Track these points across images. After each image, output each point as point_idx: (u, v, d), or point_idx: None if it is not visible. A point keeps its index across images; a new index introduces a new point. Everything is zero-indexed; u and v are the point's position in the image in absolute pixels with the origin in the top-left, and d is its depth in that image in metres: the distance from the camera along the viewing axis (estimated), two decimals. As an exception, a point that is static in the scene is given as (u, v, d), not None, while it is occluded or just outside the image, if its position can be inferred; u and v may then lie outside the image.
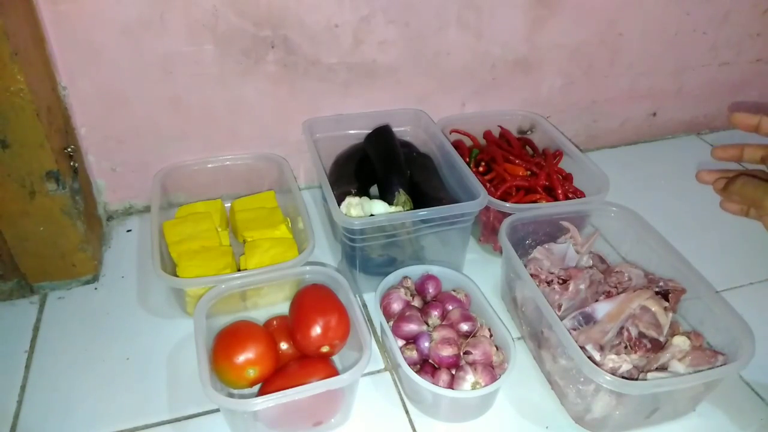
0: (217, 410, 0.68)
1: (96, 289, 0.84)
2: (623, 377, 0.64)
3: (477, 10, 0.94)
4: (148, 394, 0.70)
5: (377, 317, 0.75)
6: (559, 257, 0.80)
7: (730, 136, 1.27)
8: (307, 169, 1.03)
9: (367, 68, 0.95)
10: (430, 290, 0.77)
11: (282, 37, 0.87)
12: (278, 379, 0.65)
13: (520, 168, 0.93)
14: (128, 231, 0.94)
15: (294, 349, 0.70)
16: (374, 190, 0.92)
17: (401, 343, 0.71)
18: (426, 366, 0.69)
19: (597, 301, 0.72)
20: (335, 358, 0.72)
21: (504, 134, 1.04)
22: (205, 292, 0.71)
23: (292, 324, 0.70)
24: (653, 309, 0.70)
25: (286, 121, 0.95)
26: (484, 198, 0.79)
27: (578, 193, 0.91)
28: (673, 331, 0.71)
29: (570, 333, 0.66)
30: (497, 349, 0.69)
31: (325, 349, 0.68)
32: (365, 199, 0.81)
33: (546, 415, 0.70)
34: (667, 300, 0.72)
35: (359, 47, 0.92)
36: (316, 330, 0.67)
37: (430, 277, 0.78)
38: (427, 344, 0.69)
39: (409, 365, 0.66)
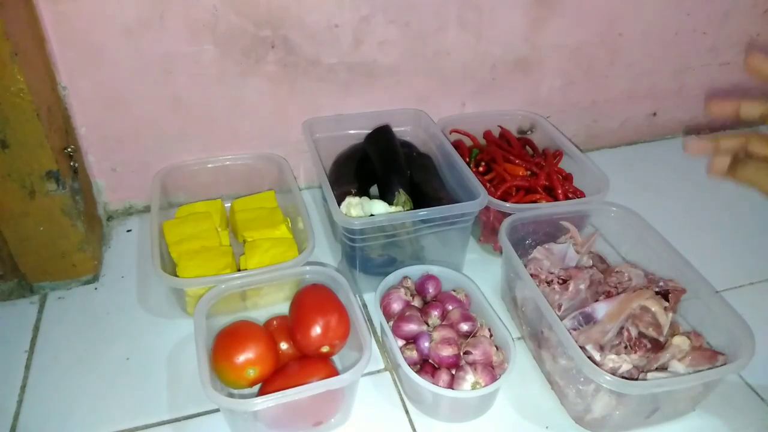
0: (217, 410, 0.68)
1: (96, 289, 0.84)
2: (623, 377, 0.64)
3: (477, 10, 0.94)
4: (148, 394, 0.70)
5: (377, 317, 0.75)
6: (559, 257, 0.80)
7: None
8: (307, 169, 1.03)
9: (367, 68, 0.95)
10: (430, 290, 0.77)
11: (282, 37, 0.87)
12: (278, 379, 0.65)
13: (520, 168, 0.93)
14: (128, 231, 0.94)
15: (294, 349, 0.70)
16: (374, 190, 0.92)
17: (401, 343, 0.71)
18: (426, 366, 0.69)
19: (597, 301, 0.72)
20: (335, 358, 0.72)
21: (504, 134, 1.04)
22: (205, 292, 0.71)
23: (292, 324, 0.70)
24: (653, 309, 0.70)
25: (286, 121, 0.95)
26: (484, 198, 0.79)
27: (578, 193, 0.91)
28: (673, 331, 0.71)
29: (570, 333, 0.66)
30: (497, 349, 0.69)
31: (325, 349, 0.68)
32: (365, 199, 0.81)
33: (546, 415, 0.70)
34: (667, 300, 0.72)
35: (359, 47, 0.92)
36: (316, 330, 0.67)
37: (430, 277, 0.78)
38: (427, 344, 0.69)
39: (409, 365, 0.66)
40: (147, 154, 0.92)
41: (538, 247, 0.81)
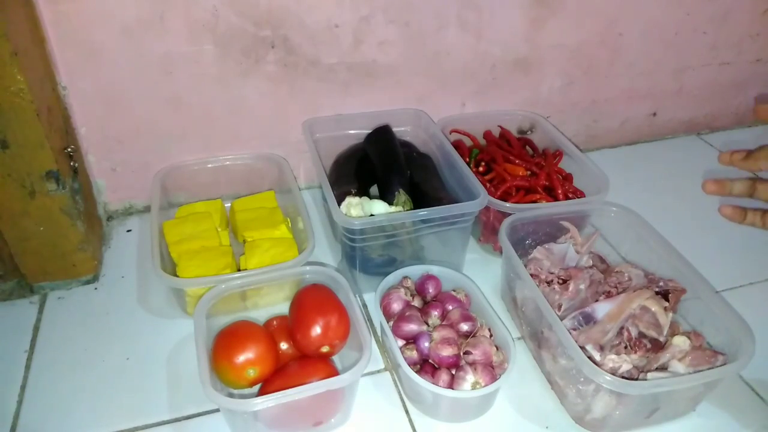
0: (217, 410, 0.68)
1: (96, 289, 0.84)
2: (623, 377, 0.64)
3: (477, 10, 0.94)
4: (148, 394, 0.70)
5: (377, 317, 0.75)
6: (559, 257, 0.80)
7: (730, 135, 1.27)
8: (307, 169, 1.03)
9: (367, 68, 0.95)
10: (430, 290, 0.77)
11: (282, 37, 0.87)
12: (278, 379, 0.65)
13: (520, 168, 0.93)
14: (128, 231, 0.94)
15: (294, 349, 0.70)
16: (374, 190, 0.92)
17: (401, 343, 0.71)
18: (426, 366, 0.69)
19: (597, 301, 0.72)
20: (335, 358, 0.72)
21: (504, 134, 1.04)
22: (205, 292, 0.71)
23: (292, 324, 0.70)
24: (653, 309, 0.70)
25: (286, 121, 0.95)
26: (484, 198, 0.79)
27: (578, 193, 0.91)
28: (673, 331, 0.71)
29: (570, 333, 0.66)
30: (497, 349, 0.69)
31: (325, 349, 0.68)
32: (365, 199, 0.81)
33: (546, 415, 0.70)
34: (667, 300, 0.72)
35: (359, 47, 0.92)
36: (316, 330, 0.67)
37: (430, 277, 0.78)
38: (427, 344, 0.69)
39: (409, 365, 0.66)
40: (147, 154, 0.92)
41: (538, 247, 0.81)
